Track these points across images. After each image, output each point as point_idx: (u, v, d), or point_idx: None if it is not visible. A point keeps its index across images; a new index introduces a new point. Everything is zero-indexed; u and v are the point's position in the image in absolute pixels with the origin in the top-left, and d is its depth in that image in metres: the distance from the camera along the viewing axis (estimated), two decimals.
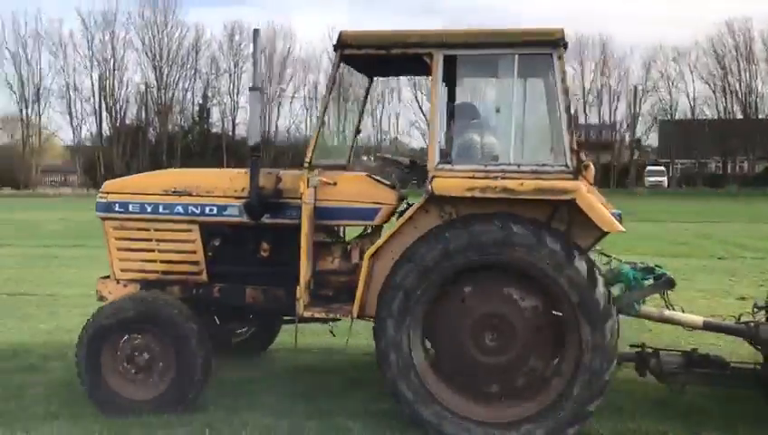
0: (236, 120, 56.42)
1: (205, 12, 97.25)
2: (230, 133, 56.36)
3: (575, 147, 4.47)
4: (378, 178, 5.14)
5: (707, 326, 5.07)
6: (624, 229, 4.43)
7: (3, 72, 54.31)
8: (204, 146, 53.92)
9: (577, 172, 4.45)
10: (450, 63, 4.77)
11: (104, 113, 54.37)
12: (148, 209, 5.26)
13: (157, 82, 54.63)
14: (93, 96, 54.34)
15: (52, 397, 5.10)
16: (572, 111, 4.57)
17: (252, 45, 5.04)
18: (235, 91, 56.52)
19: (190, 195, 5.21)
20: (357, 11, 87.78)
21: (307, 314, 4.87)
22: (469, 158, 4.80)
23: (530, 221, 4.39)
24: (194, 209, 5.20)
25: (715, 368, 4.84)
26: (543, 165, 4.58)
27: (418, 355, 4.56)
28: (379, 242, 4.70)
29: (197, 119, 57.12)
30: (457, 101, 5.27)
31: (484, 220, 4.42)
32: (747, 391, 4.88)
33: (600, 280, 4.33)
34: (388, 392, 4.57)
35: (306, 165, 4.84)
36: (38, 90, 53.57)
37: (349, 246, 5.23)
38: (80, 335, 4.82)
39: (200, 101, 57.10)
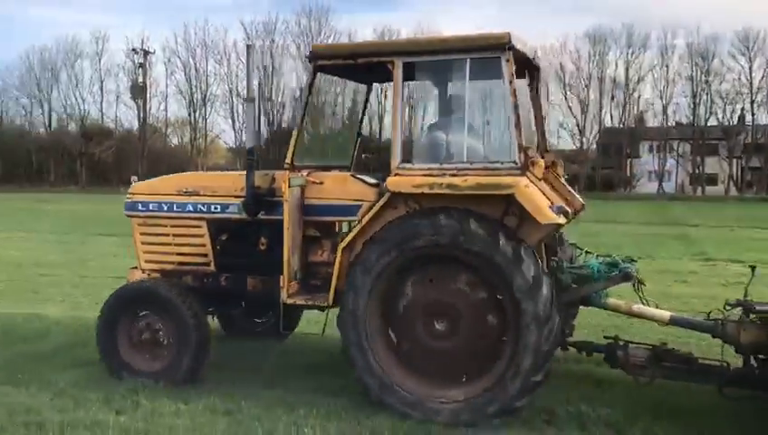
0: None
1: (356, 18, 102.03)
2: (378, 136, 56.43)
3: (522, 144, 4.68)
4: (361, 176, 5.41)
5: (674, 322, 5.11)
6: (561, 221, 4.51)
7: (174, 80, 57.61)
8: None
9: (524, 168, 4.63)
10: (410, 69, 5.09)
11: (262, 117, 55.49)
12: (165, 208, 5.82)
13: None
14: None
15: None
16: (519, 110, 4.73)
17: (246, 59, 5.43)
18: (383, 94, 56.17)
19: (198, 195, 5.70)
20: (508, 8, 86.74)
21: (290, 301, 5.23)
22: (428, 157, 5.07)
23: (474, 214, 4.55)
24: (202, 208, 5.68)
25: (682, 363, 4.88)
26: (494, 162, 4.82)
27: (379, 340, 4.80)
28: (350, 235, 4.95)
29: (347, 122, 56.55)
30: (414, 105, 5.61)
31: (430, 214, 4.69)
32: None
33: (531, 262, 4.41)
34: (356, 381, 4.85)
35: (287, 166, 5.25)
36: (205, 96, 56.19)
37: (335, 240, 5.44)
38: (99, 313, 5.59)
39: (349, 105, 56.96)
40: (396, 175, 4.86)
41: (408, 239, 4.70)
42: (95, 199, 36.31)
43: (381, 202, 4.87)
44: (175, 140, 59.77)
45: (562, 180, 5.51)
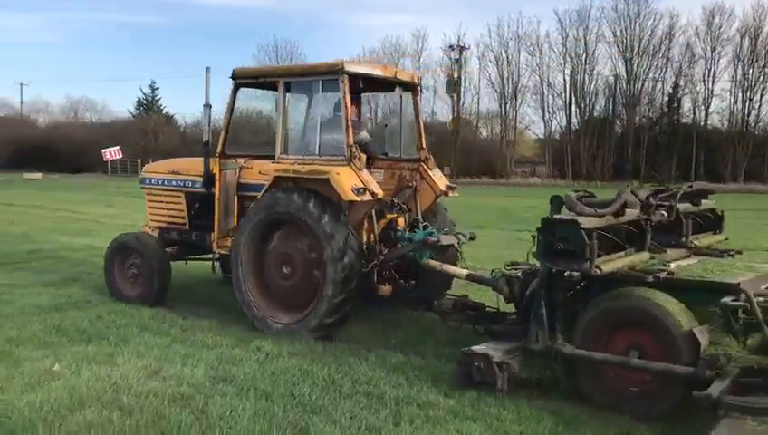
0: (710, 109, 52.44)
1: None
2: (701, 123, 52.66)
3: (351, 142, 6.36)
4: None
5: (469, 277, 6.46)
6: (357, 199, 6.16)
7: (487, 74, 57.65)
8: (671, 137, 51.41)
9: (350, 159, 6.34)
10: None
11: (573, 107, 55.55)
12: (160, 183, 8.15)
13: (626, 73, 53.77)
14: (564, 91, 55.61)
15: None
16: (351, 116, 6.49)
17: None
18: (711, 78, 52.15)
19: (180, 174, 7.92)
20: None
21: (216, 249, 7.37)
22: (297, 150, 6.96)
23: (313, 192, 6.32)
24: (181, 183, 7.89)
25: (474, 310, 6.11)
26: (335, 155, 6.50)
27: (252, 284, 6.72)
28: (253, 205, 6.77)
29: (666, 109, 54.37)
30: (290, 112, 7.54)
31: (286, 190, 6.49)
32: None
33: (340, 235, 6.12)
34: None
35: (218, 155, 7.20)
36: (516, 88, 56.57)
37: None
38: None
39: (670, 91, 53.87)
40: (277, 162, 6.73)
41: (269, 206, 6.56)
42: None
43: (270, 181, 6.66)
44: (485, 133, 60.85)
45: (431, 172, 7.29)
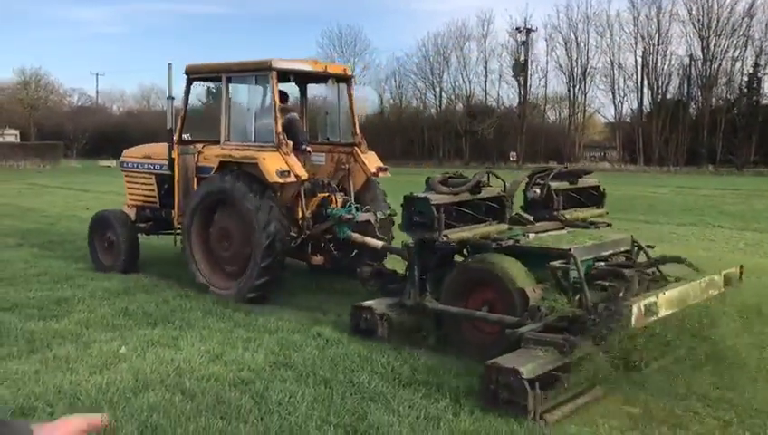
0: None
1: None
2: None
3: (279, 130, 7.24)
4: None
5: (384, 249, 7.15)
6: (281, 181, 6.97)
7: (555, 56, 56.10)
8: (750, 119, 48.10)
9: (278, 146, 7.20)
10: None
11: (645, 89, 53.21)
12: (136, 166, 9.09)
13: (702, 53, 51.00)
14: (636, 73, 53.47)
15: None
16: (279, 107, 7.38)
17: None
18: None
19: (151, 158, 8.84)
20: None
21: (176, 225, 8.18)
22: (238, 137, 7.76)
23: (246, 174, 7.22)
24: (152, 166, 8.78)
25: (387, 276, 6.64)
26: (267, 142, 7.36)
27: (198, 254, 7.67)
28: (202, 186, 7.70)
29: (745, 90, 50.98)
30: (231, 103, 7.98)
31: (225, 172, 7.42)
32: None
33: (266, 212, 6.94)
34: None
35: (176, 141, 8.09)
36: (585, 70, 54.83)
37: None
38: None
39: (750, 71, 50.54)
40: (221, 148, 7.65)
41: (210, 187, 7.51)
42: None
43: (216, 165, 7.56)
44: (552, 117, 59.27)
45: (363, 155, 8.04)
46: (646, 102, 53.97)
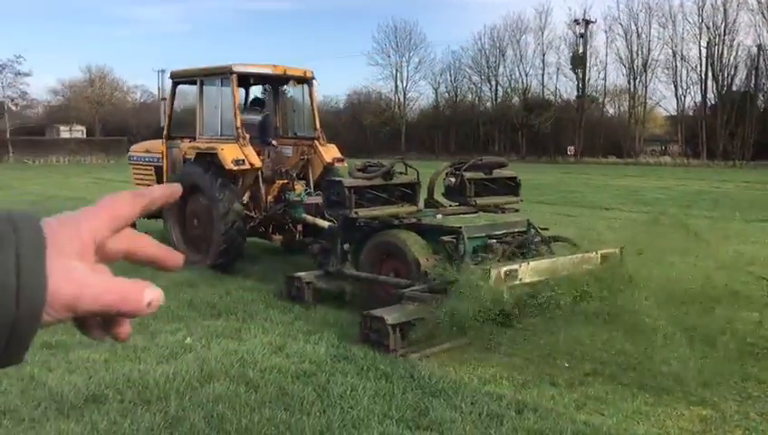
0: None
1: None
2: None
3: (238, 125, 8.41)
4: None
5: (328, 229, 7.70)
6: (234, 168, 8.17)
7: (615, 48, 54.77)
8: None
9: (237, 138, 8.37)
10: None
11: (709, 81, 51.35)
12: (139, 159, 10.39)
13: None
14: (700, 64, 51.37)
15: None
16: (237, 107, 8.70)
17: None
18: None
19: (150, 152, 10.09)
20: None
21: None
22: (207, 131, 8.97)
23: (212, 164, 8.32)
24: (151, 159, 10.00)
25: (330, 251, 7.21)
26: (229, 135, 8.56)
27: (176, 231, 8.94)
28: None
29: None
30: (204, 102, 9.20)
31: (195, 162, 8.61)
32: None
33: (226, 198, 8.10)
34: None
35: (164, 137, 9.46)
36: (645, 62, 53.18)
37: None
38: None
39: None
40: (196, 142, 8.85)
41: (185, 174, 8.49)
42: (533, 168, 37.43)
43: (194, 156, 8.66)
44: (611, 110, 57.79)
45: (322, 147, 9.20)
46: (710, 95, 52.29)
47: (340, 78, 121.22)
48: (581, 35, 54.55)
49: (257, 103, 10.24)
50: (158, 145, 9.94)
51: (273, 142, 9.44)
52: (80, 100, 60.25)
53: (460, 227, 6.49)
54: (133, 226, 0.66)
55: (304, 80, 9.69)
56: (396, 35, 62.74)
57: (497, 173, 7.86)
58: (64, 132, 55.04)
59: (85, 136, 53.87)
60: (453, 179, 7.55)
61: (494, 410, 4.30)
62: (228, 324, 6.09)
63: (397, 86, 63.23)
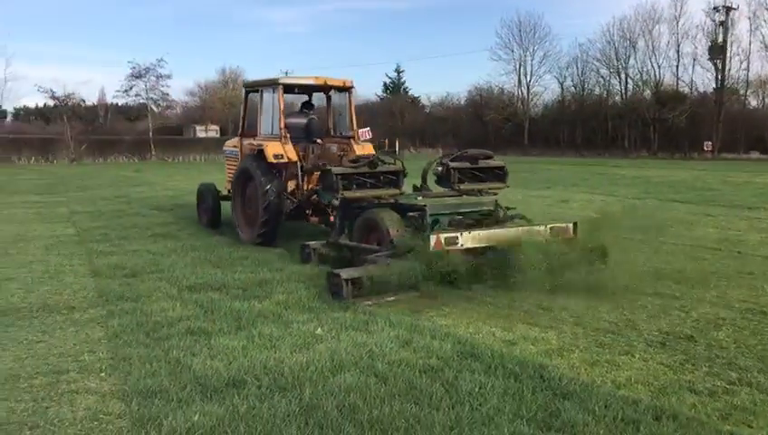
0: None
1: None
2: None
3: (281, 127, 10.32)
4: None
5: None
6: (274, 161, 10.04)
7: (760, 35, 51.78)
8: None
9: (280, 138, 10.26)
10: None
11: None
12: (229, 153, 12.43)
13: None
14: None
15: None
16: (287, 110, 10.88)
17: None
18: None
19: (235, 147, 12.05)
20: None
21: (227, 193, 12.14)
22: (264, 132, 10.83)
23: (260, 158, 10.24)
24: (236, 153, 11.92)
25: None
26: (272, 134, 10.55)
27: (238, 211, 10.92)
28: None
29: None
30: (262, 108, 11.08)
31: (249, 158, 10.77)
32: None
33: (267, 184, 9.91)
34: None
35: (239, 134, 11.91)
36: None
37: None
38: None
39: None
40: (255, 139, 10.91)
41: (242, 166, 10.85)
42: (666, 165, 37.30)
43: (255, 151, 10.60)
44: (754, 102, 54.66)
45: (356, 145, 11.03)
46: None
47: (461, 74, 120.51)
48: (721, 23, 51.81)
49: (307, 107, 11.85)
50: (237, 142, 12.01)
51: (319, 141, 11.13)
52: (214, 101, 63.78)
53: (425, 205, 8.09)
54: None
55: (344, 88, 11.58)
56: (520, 29, 61.74)
57: (487, 163, 9.31)
58: (200, 132, 58.51)
59: (219, 135, 56.95)
60: (440, 169, 9.11)
61: (629, 415, 4.13)
62: (356, 317, 6.23)
63: (520, 81, 62.15)
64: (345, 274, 6.76)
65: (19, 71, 58.49)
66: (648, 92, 55.40)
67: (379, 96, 72.05)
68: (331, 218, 9.57)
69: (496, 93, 63.37)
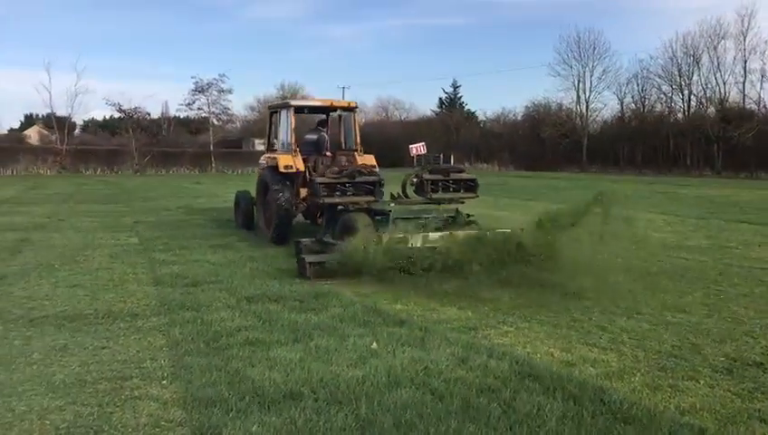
0: None
1: None
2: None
3: (292, 142, 12.21)
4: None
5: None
6: (284, 171, 11.83)
7: None
8: None
9: (291, 151, 12.03)
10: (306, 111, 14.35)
11: None
12: (260, 164, 13.77)
13: None
14: None
15: None
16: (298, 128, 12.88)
17: None
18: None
19: (265, 160, 13.30)
20: None
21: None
22: (281, 147, 12.80)
23: (275, 167, 12.00)
24: (264, 165, 13.26)
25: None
26: (287, 148, 12.35)
27: (259, 214, 13.07)
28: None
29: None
30: (278, 126, 13.25)
31: (270, 169, 12.49)
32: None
33: (281, 190, 11.72)
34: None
35: (266, 149, 13.89)
36: None
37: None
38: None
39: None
40: (273, 153, 12.94)
41: (263, 175, 12.79)
42: (730, 184, 36.27)
43: (274, 163, 12.28)
44: None
45: (359, 157, 12.79)
46: None
47: (517, 90, 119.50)
48: None
49: (321, 124, 13.54)
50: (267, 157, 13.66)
51: (328, 153, 13.01)
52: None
53: (389, 211, 9.98)
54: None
55: (349, 109, 13.62)
56: (579, 45, 60.89)
57: (459, 176, 10.92)
58: (259, 145, 59.57)
59: None
60: (416, 180, 10.73)
61: None
62: (411, 333, 6.21)
63: (579, 97, 61.24)
64: (308, 258, 8.79)
65: (89, 84, 61.02)
66: (711, 109, 53.80)
67: (434, 111, 72.17)
68: (318, 221, 12.15)
69: (554, 109, 62.60)
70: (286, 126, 12.63)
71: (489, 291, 7.89)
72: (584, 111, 61.33)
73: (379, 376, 4.99)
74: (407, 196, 10.75)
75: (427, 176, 10.58)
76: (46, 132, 63.21)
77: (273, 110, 13.82)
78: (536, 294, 7.83)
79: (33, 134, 68.32)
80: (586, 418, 4.33)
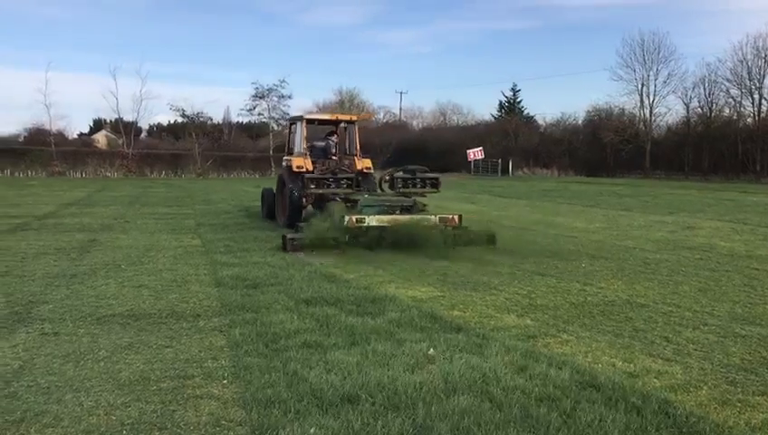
0: None
1: None
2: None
3: (304, 147, 15.56)
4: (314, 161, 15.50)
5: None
6: (297, 170, 14.97)
7: None
8: None
9: (304, 155, 15.24)
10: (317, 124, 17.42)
11: None
12: (283, 165, 16.77)
13: None
14: None
15: None
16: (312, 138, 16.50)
17: None
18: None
19: (285, 164, 16.65)
20: None
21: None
22: (296, 152, 16.18)
23: (290, 168, 15.37)
24: (284, 165, 16.74)
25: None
26: (300, 152, 15.72)
27: (278, 206, 16.25)
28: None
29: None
30: (297, 135, 16.53)
31: (287, 168, 15.85)
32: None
33: (292, 189, 14.65)
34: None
35: (286, 152, 17.22)
36: None
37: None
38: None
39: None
40: (290, 157, 16.01)
41: (281, 174, 16.54)
42: None
43: (292, 165, 15.18)
44: None
45: (359, 161, 15.76)
46: None
47: (578, 94, 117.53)
48: None
49: (330, 134, 16.64)
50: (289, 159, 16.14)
51: (334, 157, 16.02)
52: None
53: (358, 199, 12.86)
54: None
55: (351, 122, 16.85)
56: (642, 48, 59.39)
57: (424, 175, 14.04)
58: None
59: None
60: (387, 178, 14.16)
61: None
62: (468, 339, 6.15)
63: (642, 101, 59.71)
64: (289, 235, 11.59)
65: (154, 90, 63.29)
66: None
67: (493, 115, 71.55)
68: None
69: (616, 114, 61.16)
70: (299, 135, 15.92)
71: (543, 298, 7.70)
72: (648, 115, 59.74)
73: (437, 382, 4.96)
74: (382, 190, 14.33)
75: (397, 174, 14.02)
76: (113, 136, 65.53)
77: (292, 121, 17.43)
78: (599, 300, 7.64)
79: (100, 138, 70.89)
80: (650, 431, 4.21)
